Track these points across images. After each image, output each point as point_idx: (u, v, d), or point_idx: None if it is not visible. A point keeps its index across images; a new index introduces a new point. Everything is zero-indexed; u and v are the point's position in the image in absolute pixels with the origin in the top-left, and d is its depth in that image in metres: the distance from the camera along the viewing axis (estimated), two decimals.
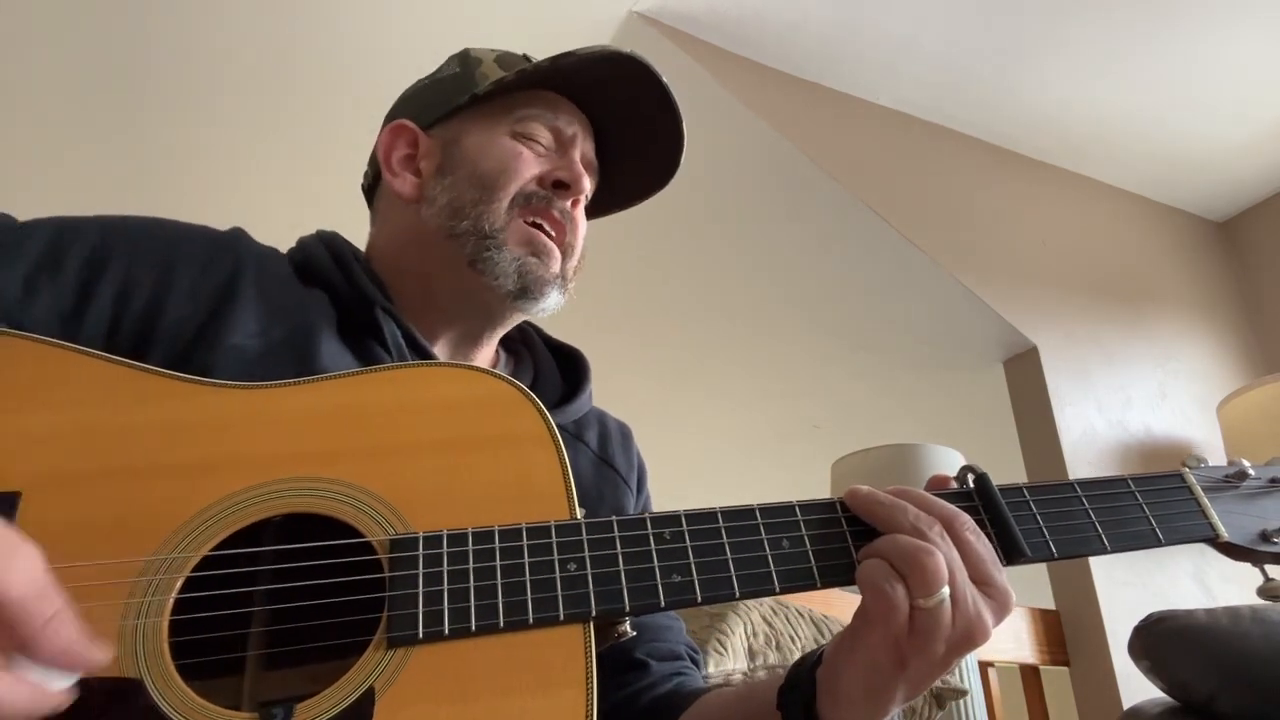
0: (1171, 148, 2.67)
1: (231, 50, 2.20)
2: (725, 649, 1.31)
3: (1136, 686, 1.75)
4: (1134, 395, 2.51)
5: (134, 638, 0.51)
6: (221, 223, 0.80)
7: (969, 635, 0.56)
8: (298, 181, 2.55)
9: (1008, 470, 2.48)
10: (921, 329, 2.67)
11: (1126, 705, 1.75)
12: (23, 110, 2.29)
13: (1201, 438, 2.54)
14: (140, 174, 2.51)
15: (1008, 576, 0.59)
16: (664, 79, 0.85)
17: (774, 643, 1.37)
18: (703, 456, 3.65)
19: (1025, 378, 2.46)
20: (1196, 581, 2.30)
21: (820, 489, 2.44)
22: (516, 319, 0.86)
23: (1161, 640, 1.36)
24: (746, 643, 1.35)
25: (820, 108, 2.36)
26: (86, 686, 0.47)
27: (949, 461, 2.21)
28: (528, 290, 0.80)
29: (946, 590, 0.55)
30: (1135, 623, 1.41)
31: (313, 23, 2.15)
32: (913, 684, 0.58)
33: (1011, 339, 2.46)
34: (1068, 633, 2.20)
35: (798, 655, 1.37)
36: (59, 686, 0.45)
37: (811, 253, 2.54)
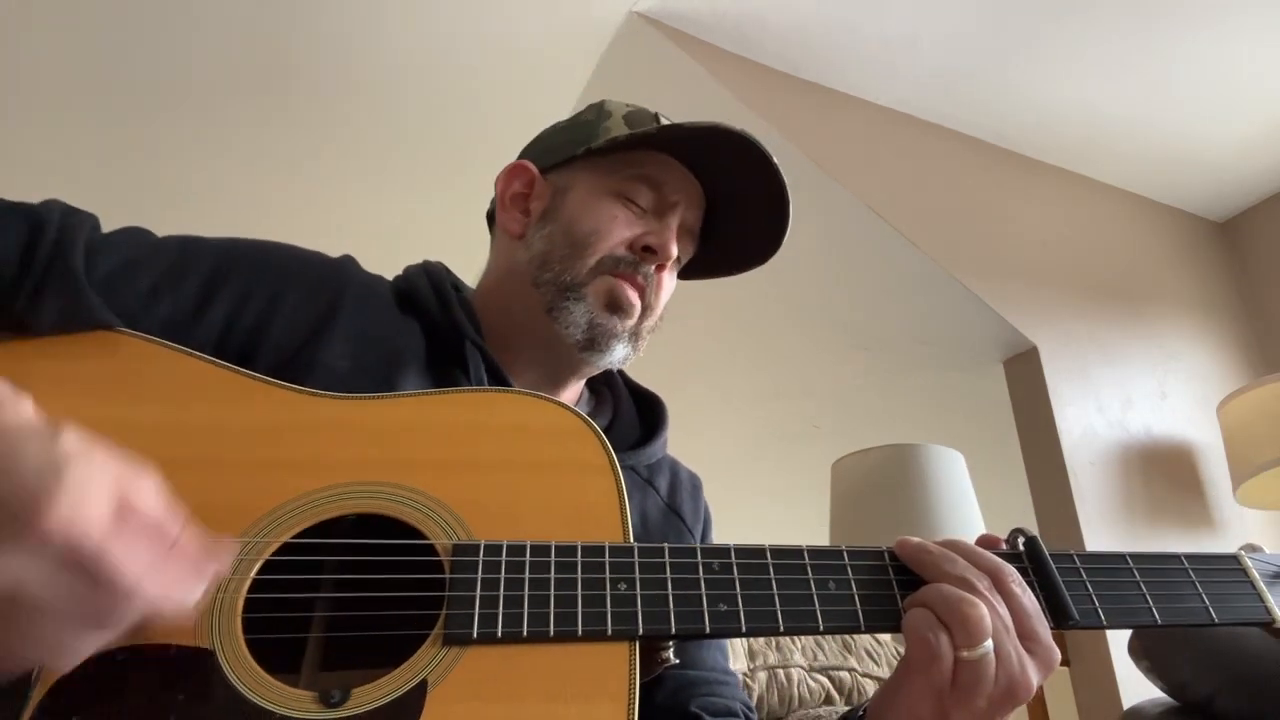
0: (1172, 148, 2.67)
1: (235, 51, 2.20)
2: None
3: (1136, 686, 1.75)
4: (1134, 395, 2.51)
5: (211, 610, 0.54)
6: (229, 226, 0.81)
7: (1011, 691, 0.56)
8: (303, 181, 2.55)
9: (1008, 470, 2.49)
10: (921, 329, 2.67)
11: (1126, 705, 1.75)
12: (27, 111, 2.29)
13: (1201, 438, 2.54)
14: (146, 173, 2.51)
15: None
16: (775, 160, 0.86)
17: (774, 642, 1.38)
18: (703, 456, 3.64)
19: (1025, 378, 2.46)
20: None
21: (820, 489, 2.44)
22: (586, 370, 0.89)
23: (1161, 640, 1.36)
24: (746, 643, 1.35)
25: (820, 108, 2.36)
26: (165, 652, 0.52)
27: (949, 461, 2.21)
28: (595, 342, 0.83)
29: (990, 643, 0.55)
30: None
31: (315, 23, 2.15)
32: None
33: (1011, 339, 2.46)
34: (1068, 633, 2.20)
35: (797, 655, 1.37)
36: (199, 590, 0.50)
37: (812, 253, 2.54)
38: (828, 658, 1.35)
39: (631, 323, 0.85)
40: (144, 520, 0.48)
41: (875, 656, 1.44)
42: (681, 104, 2.25)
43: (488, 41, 2.21)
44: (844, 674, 1.34)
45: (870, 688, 1.36)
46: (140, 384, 0.63)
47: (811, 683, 1.30)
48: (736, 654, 1.33)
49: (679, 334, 2.98)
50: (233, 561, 0.55)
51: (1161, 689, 1.38)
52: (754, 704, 1.28)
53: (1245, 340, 2.84)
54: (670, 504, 0.91)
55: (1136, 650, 1.39)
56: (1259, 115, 2.55)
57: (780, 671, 1.28)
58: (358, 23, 2.16)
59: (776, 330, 2.93)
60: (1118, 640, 2.09)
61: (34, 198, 0.73)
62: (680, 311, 3.21)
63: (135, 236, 0.74)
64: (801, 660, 1.34)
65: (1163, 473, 2.44)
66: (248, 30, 2.16)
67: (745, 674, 1.31)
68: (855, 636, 1.45)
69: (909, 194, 2.40)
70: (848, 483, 2.25)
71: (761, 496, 3.96)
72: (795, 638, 1.41)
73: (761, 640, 1.37)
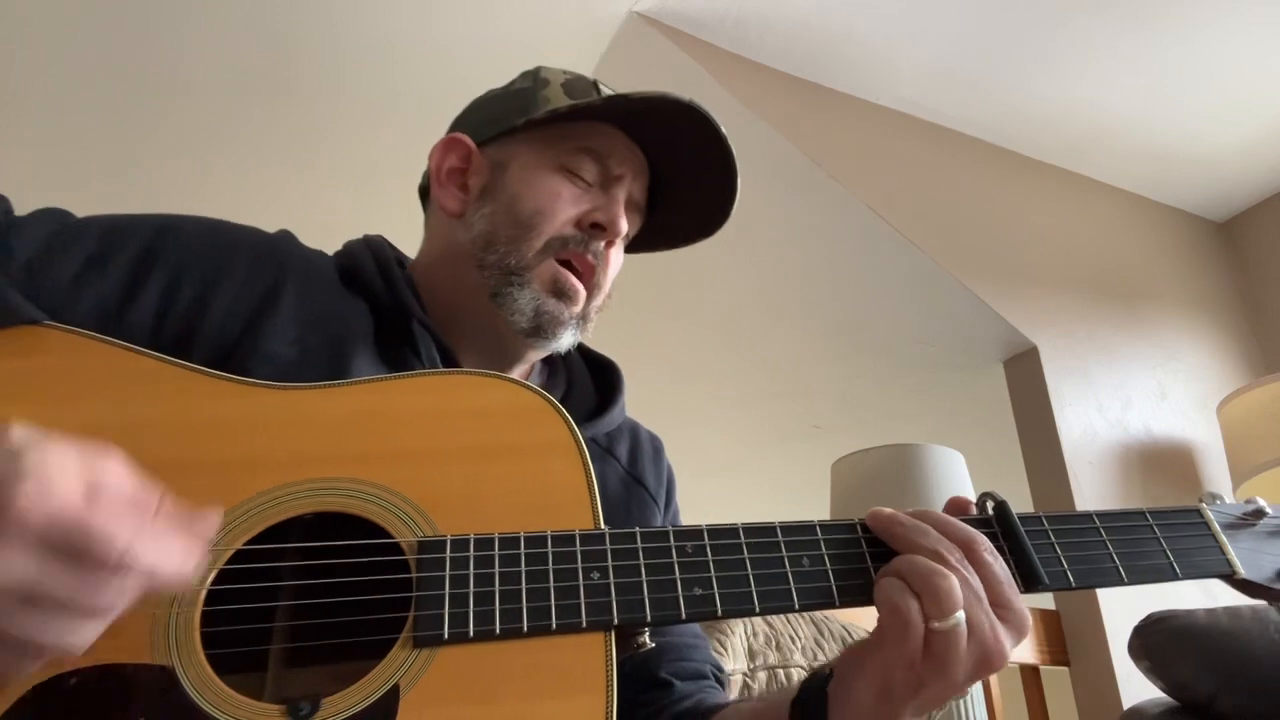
0: (1172, 148, 2.67)
1: (235, 51, 2.20)
2: (725, 649, 1.31)
3: (1136, 686, 1.75)
4: (1134, 395, 2.51)
5: (167, 627, 0.52)
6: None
7: (985, 659, 0.56)
8: (301, 182, 2.55)
9: (1008, 470, 2.49)
10: (921, 329, 2.67)
11: (1126, 705, 1.75)
12: (28, 112, 2.28)
13: (1201, 438, 2.54)
14: (143, 174, 2.51)
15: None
16: (723, 129, 0.84)
17: (774, 643, 1.38)
18: (703, 456, 3.65)
19: (1025, 378, 2.46)
20: (1196, 582, 2.29)
21: (820, 489, 2.44)
22: (533, 355, 0.86)
23: (1161, 640, 1.36)
24: (746, 643, 1.35)
25: (820, 108, 2.36)
26: (119, 672, 0.49)
27: (949, 461, 2.21)
28: (541, 329, 0.81)
29: (962, 614, 0.55)
30: (1135, 623, 1.41)
31: (317, 22, 2.15)
32: (925, 704, 0.58)
33: (1011, 339, 2.46)
34: (1068, 633, 2.20)
35: (797, 655, 1.37)
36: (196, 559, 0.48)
37: (811, 253, 2.54)
38: (828, 657, 1.35)
39: (578, 308, 0.83)
40: (118, 494, 0.45)
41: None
42: None
43: (487, 41, 2.21)
44: None
45: None
46: (70, 382, 0.58)
47: None
48: (736, 654, 1.33)
49: (680, 334, 2.98)
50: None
51: (1161, 689, 1.37)
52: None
53: (1245, 340, 2.84)
54: (631, 472, 0.89)
55: (1136, 650, 1.39)
56: (1259, 115, 2.55)
57: (780, 671, 1.28)
58: (357, 24, 2.16)
59: (776, 330, 2.93)
60: (1118, 640, 2.09)
61: (34, 197, 0.72)
62: (681, 312, 3.21)
63: (54, 218, 0.70)
64: (801, 660, 1.34)
65: (1162, 473, 2.44)
66: (246, 30, 2.16)
67: (745, 674, 1.31)
68: (855, 636, 1.45)
69: (909, 194, 2.40)
70: (848, 483, 2.25)
71: (762, 496, 3.96)
72: (796, 637, 1.41)
73: (761, 640, 1.37)
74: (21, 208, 0.71)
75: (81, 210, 0.74)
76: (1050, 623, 2.21)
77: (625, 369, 0.96)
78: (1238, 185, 2.84)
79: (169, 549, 0.46)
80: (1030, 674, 2.16)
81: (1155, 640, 1.36)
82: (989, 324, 2.44)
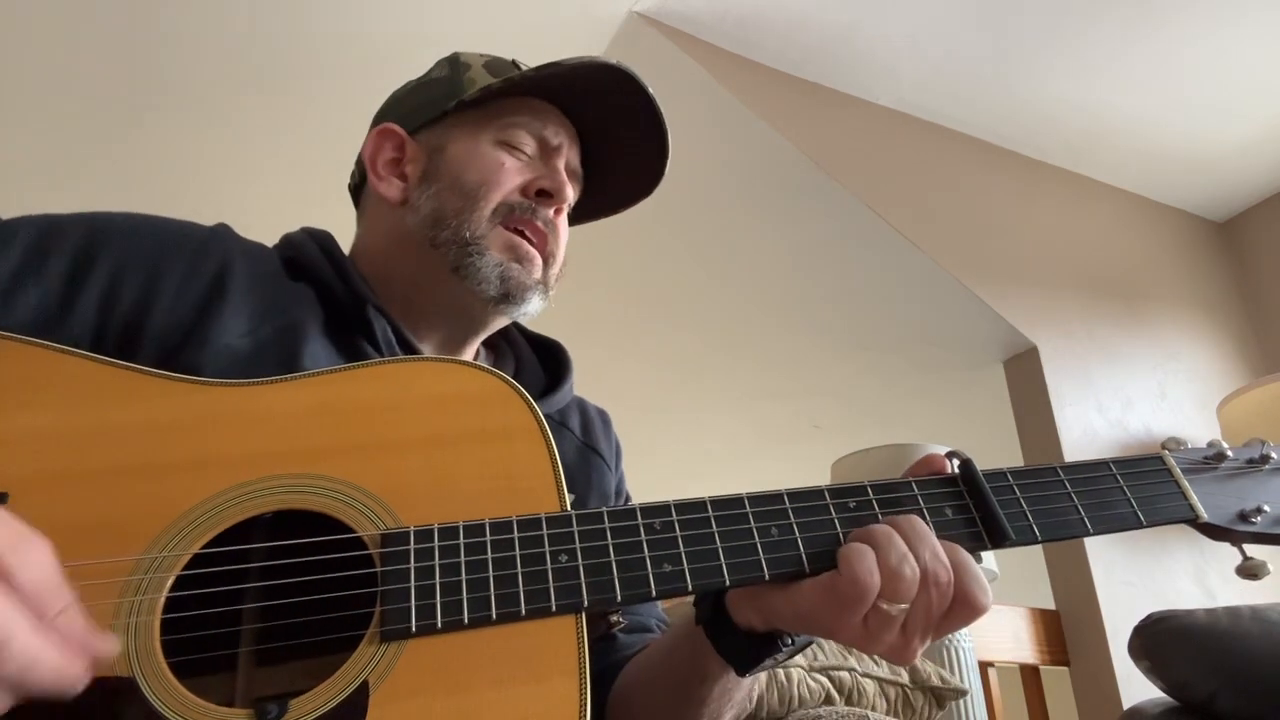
0: (1172, 148, 2.67)
1: (234, 51, 2.20)
2: None
3: (1136, 686, 1.76)
4: (1134, 395, 2.51)
5: (126, 637, 0.50)
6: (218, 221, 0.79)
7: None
8: (298, 183, 2.55)
9: None
10: (921, 329, 2.67)
11: (1126, 705, 1.75)
12: (25, 111, 2.29)
13: (1201, 438, 2.53)
14: (141, 175, 2.51)
15: (1002, 565, 0.59)
16: (650, 89, 0.85)
17: None
18: (703, 456, 3.65)
19: (1025, 378, 2.46)
20: (1196, 581, 2.30)
21: None
22: (499, 323, 0.87)
23: (1161, 640, 1.36)
24: None
25: (820, 108, 2.36)
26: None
27: None
28: (510, 295, 0.81)
29: (906, 606, 0.56)
30: (1135, 623, 1.41)
31: (316, 23, 2.15)
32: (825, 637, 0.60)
33: (1011, 339, 2.46)
34: (1068, 633, 2.20)
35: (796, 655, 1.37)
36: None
37: (812, 253, 2.54)
38: (828, 658, 1.35)
39: (539, 274, 0.83)
40: (20, 587, 0.42)
41: (875, 656, 1.44)
42: (682, 104, 2.25)
43: (486, 42, 2.20)
44: (844, 674, 1.34)
45: (870, 688, 1.36)
46: (13, 390, 0.56)
47: (811, 683, 1.30)
48: None
49: (680, 335, 2.98)
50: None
51: (1161, 689, 1.37)
52: (754, 703, 1.28)
53: (1245, 340, 2.84)
54: (586, 441, 0.90)
55: (1136, 650, 1.39)
56: (1259, 115, 2.55)
57: (780, 671, 1.28)
58: (355, 22, 2.16)
59: (777, 330, 2.94)
60: (1118, 640, 2.09)
61: (31, 198, 0.72)
62: (681, 312, 3.20)
63: None
64: (801, 660, 1.34)
65: None
66: (246, 29, 2.16)
67: None
68: None
69: (909, 194, 2.40)
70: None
71: None
72: None
73: None
74: (12, 209, 0.70)
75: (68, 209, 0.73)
76: (1050, 623, 2.21)
77: (626, 370, 0.96)
78: (1238, 185, 2.84)
79: (46, 661, 0.42)
80: (1030, 674, 2.16)
81: (1155, 640, 1.36)
82: (989, 324, 2.44)
